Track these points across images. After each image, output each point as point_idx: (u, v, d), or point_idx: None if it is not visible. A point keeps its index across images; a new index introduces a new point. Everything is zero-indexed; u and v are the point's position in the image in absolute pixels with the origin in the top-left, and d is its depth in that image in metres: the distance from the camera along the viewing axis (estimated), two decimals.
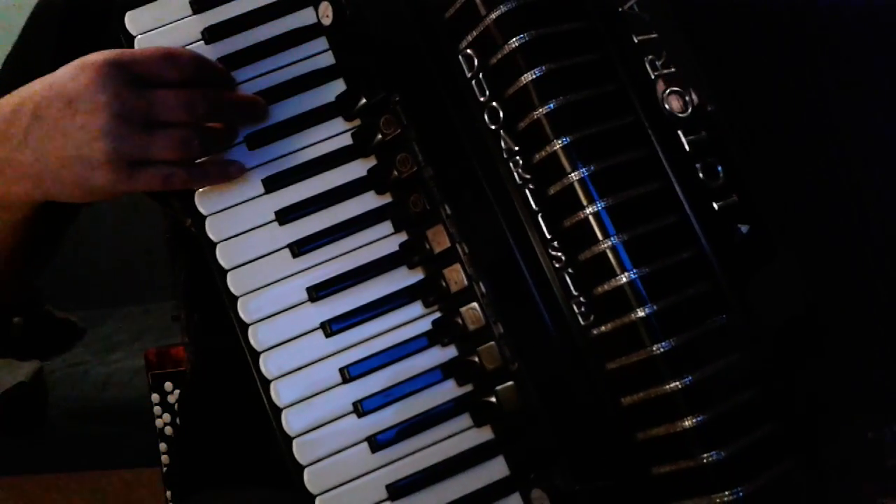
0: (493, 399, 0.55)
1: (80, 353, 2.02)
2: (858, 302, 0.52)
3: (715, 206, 0.50)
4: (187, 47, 0.61)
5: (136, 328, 2.15)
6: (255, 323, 0.59)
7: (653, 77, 0.51)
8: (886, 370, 0.52)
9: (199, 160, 0.58)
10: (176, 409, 1.30)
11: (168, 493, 1.25)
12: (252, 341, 0.59)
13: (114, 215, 2.26)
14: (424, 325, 0.58)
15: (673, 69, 0.51)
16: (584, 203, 0.49)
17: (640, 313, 0.47)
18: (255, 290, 0.59)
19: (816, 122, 0.54)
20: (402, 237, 0.59)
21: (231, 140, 0.60)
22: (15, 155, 0.55)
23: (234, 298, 0.59)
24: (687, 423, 0.46)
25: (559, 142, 0.49)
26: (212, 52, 0.62)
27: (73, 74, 0.54)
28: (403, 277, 0.59)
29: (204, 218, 0.60)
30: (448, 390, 0.57)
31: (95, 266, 2.29)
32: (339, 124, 0.61)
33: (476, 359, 0.56)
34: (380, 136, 0.59)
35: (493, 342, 0.55)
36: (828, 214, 0.53)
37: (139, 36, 0.62)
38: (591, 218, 0.49)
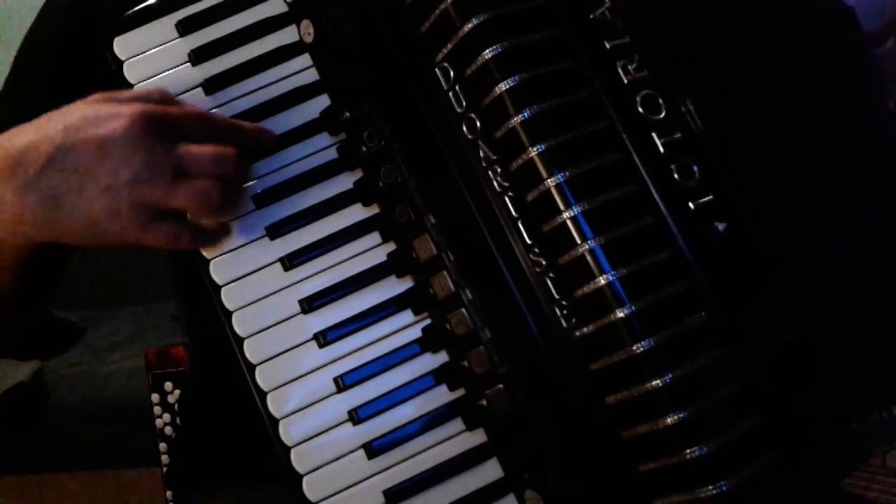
0: (484, 402, 0.56)
1: (80, 353, 2.02)
2: (842, 300, 0.52)
3: (691, 205, 0.51)
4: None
5: (136, 328, 2.15)
6: (250, 337, 0.60)
7: (626, 82, 0.52)
8: (871, 361, 0.53)
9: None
10: (176, 409, 1.31)
11: (168, 493, 1.26)
12: (248, 355, 0.60)
13: None
14: (415, 332, 0.60)
15: (645, 72, 0.52)
16: (562, 208, 0.50)
17: (620, 314, 0.48)
18: (248, 304, 0.61)
19: (790, 119, 0.54)
20: (391, 247, 0.60)
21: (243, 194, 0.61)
22: (17, 196, 0.54)
23: (229, 313, 0.61)
24: (669, 420, 0.47)
25: (535, 149, 0.50)
26: (198, 73, 0.64)
27: (103, 120, 0.54)
28: (393, 287, 0.60)
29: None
30: (440, 395, 0.59)
31: (95, 266, 2.28)
32: (324, 139, 0.63)
33: (466, 363, 0.57)
34: (364, 149, 0.60)
35: (481, 347, 0.56)
36: (807, 207, 0.54)
37: (128, 60, 0.64)
38: (568, 222, 0.50)
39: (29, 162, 0.53)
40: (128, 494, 1.78)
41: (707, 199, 0.51)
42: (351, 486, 0.58)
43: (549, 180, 0.50)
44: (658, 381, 0.48)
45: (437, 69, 0.54)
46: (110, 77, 0.63)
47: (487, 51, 0.51)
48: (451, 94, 0.53)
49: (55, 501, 1.85)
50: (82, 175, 0.53)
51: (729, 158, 0.52)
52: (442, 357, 0.59)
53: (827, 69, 0.56)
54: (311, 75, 0.64)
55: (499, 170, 0.52)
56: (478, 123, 0.53)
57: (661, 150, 0.51)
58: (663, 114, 0.52)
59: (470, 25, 0.52)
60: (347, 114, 0.60)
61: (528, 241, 0.52)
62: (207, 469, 0.79)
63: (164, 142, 0.54)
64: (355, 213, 0.61)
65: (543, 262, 0.51)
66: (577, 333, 0.51)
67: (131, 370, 1.86)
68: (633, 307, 0.48)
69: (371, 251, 0.61)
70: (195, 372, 0.87)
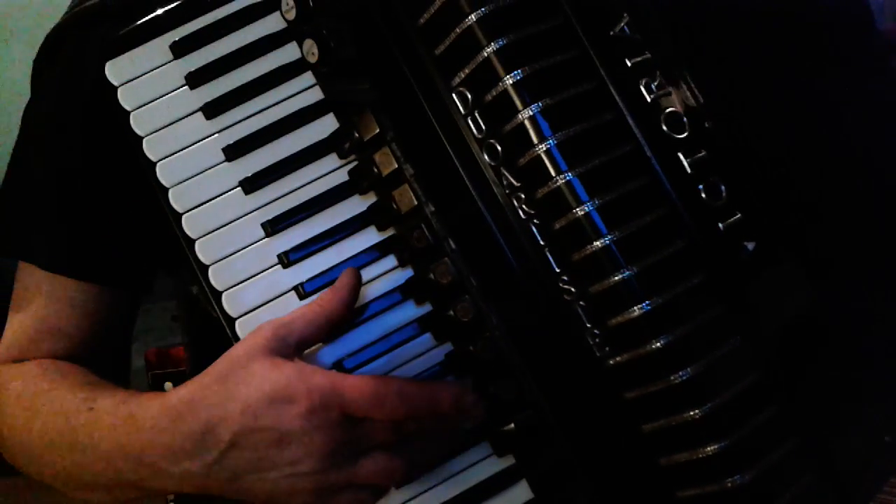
0: (513, 427, 0.56)
1: None
2: (864, 310, 0.52)
3: (721, 226, 0.50)
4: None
5: (136, 328, 2.12)
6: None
7: (649, 100, 0.51)
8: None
9: None
10: None
11: (168, 494, 1.26)
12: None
13: None
14: (439, 355, 0.59)
15: (669, 90, 0.51)
16: (592, 237, 0.49)
17: (657, 344, 0.48)
18: None
19: (814, 131, 0.54)
20: (408, 272, 0.59)
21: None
22: (202, 473, 0.53)
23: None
24: (709, 450, 0.47)
25: (561, 178, 0.49)
26: (197, 97, 0.61)
27: (279, 404, 0.51)
28: (414, 309, 0.59)
29: (207, 267, 0.60)
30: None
31: None
32: (333, 161, 0.61)
33: (496, 392, 0.56)
34: (376, 172, 0.58)
35: (510, 377, 0.55)
36: (831, 218, 0.54)
37: (122, 86, 0.61)
38: (599, 251, 0.49)
39: (213, 442, 0.53)
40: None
41: (736, 218, 0.50)
42: None
43: (577, 209, 0.49)
44: (697, 411, 0.47)
45: (454, 94, 0.52)
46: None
47: (508, 77, 0.49)
48: (469, 119, 0.52)
49: (55, 502, 1.83)
50: (263, 459, 0.52)
51: (755, 175, 0.52)
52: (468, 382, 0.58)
53: (849, 77, 0.55)
54: (315, 94, 0.61)
55: (523, 197, 0.51)
56: (499, 149, 0.51)
57: (689, 169, 0.50)
58: (687, 132, 0.51)
59: (489, 50, 0.50)
60: (357, 135, 0.59)
61: (557, 270, 0.51)
62: None
63: (342, 425, 0.52)
64: (369, 237, 0.60)
65: (573, 290, 0.50)
66: (611, 362, 0.50)
67: (131, 370, 1.83)
68: (668, 337, 0.48)
69: (389, 274, 0.59)
70: (195, 372, 0.86)
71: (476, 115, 0.51)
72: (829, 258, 0.52)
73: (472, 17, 0.49)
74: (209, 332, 0.77)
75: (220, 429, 0.52)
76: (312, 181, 0.60)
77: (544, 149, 0.49)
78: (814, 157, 0.54)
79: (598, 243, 0.49)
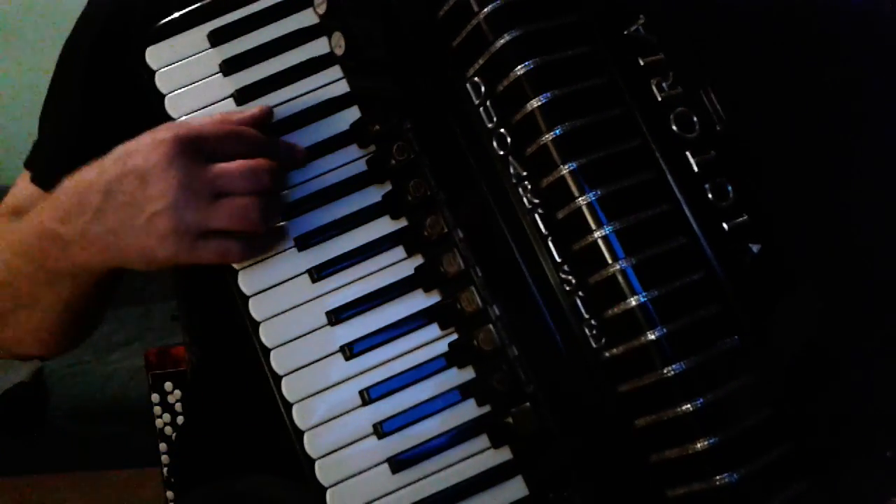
0: (510, 420, 0.56)
1: (80, 353, 2.01)
2: (870, 324, 0.51)
3: (725, 226, 0.50)
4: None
5: (136, 328, 2.15)
6: (277, 347, 0.60)
7: (659, 99, 0.51)
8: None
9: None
10: (176, 409, 1.31)
11: (168, 494, 1.27)
12: (274, 365, 0.60)
13: None
14: (442, 346, 0.59)
15: (680, 90, 0.52)
16: (593, 227, 0.49)
17: (651, 336, 0.48)
18: (276, 315, 0.61)
19: (824, 139, 0.53)
20: (418, 261, 0.60)
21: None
22: (89, 227, 0.58)
23: (257, 324, 0.61)
24: (699, 446, 0.47)
25: (566, 167, 0.50)
26: (229, 84, 0.64)
27: (145, 152, 0.56)
28: (420, 301, 0.60)
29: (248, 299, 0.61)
30: (467, 411, 0.58)
31: None
32: (353, 151, 0.62)
33: (493, 381, 0.56)
34: (393, 162, 0.60)
35: (508, 364, 0.55)
36: (837, 229, 0.53)
37: (160, 70, 0.64)
38: (599, 241, 0.49)
39: (92, 196, 0.58)
40: (128, 494, 1.79)
41: (741, 219, 0.50)
42: (374, 500, 0.58)
43: (580, 198, 0.49)
44: (689, 406, 0.47)
45: (468, 84, 0.53)
46: (142, 88, 0.64)
47: (520, 67, 0.51)
48: (481, 109, 0.53)
49: (55, 502, 1.85)
50: (131, 206, 0.57)
51: (763, 178, 0.51)
52: (468, 373, 0.59)
53: (856, 85, 0.55)
54: (341, 87, 0.64)
55: (529, 186, 0.52)
56: (508, 139, 0.52)
57: (695, 168, 0.50)
58: (697, 132, 0.51)
59: (503, 41, 0.51)
60: (377, 126, 0.60)
61: (558, 259, 0.51)
62: (208, 468, 0.79)
63: (198, 164, 0.56)
64: (384, 226, 0.61)
65: (573, 281, 0.51)
66: (607, 354, 0.50)
67: (131, 370, 1.87)
68: (664, 329, 0.48)
69: (398, 264, 0.61)
70: (195, 372, 0.87)
71: (488, 104, 0.52)
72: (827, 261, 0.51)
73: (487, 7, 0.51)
74: (210, 330, 0.79)
75: (98, 180, 0.58)
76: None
77: (551, 138, 0.50)
78: (823, 163, 0.54)
79: (598, 233, 0.49)
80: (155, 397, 1.33)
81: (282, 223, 0.62)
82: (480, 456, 0.58)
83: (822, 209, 0.53)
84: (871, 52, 0.55)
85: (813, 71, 0.54)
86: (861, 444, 0.49)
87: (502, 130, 0.52)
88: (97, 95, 0.73)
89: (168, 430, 1.33)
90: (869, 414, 0.50)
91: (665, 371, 0.47)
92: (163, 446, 1.34)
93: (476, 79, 0.53)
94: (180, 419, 1.31)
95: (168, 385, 1.32)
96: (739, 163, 0.51)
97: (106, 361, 2.00)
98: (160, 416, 1.33)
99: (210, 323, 0.80)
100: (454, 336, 0.59)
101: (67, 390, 1.92)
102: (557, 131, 0.50)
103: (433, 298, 0.60)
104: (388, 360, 0.60)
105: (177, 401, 1.32)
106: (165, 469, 1.33)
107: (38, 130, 0.78)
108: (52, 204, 0.61)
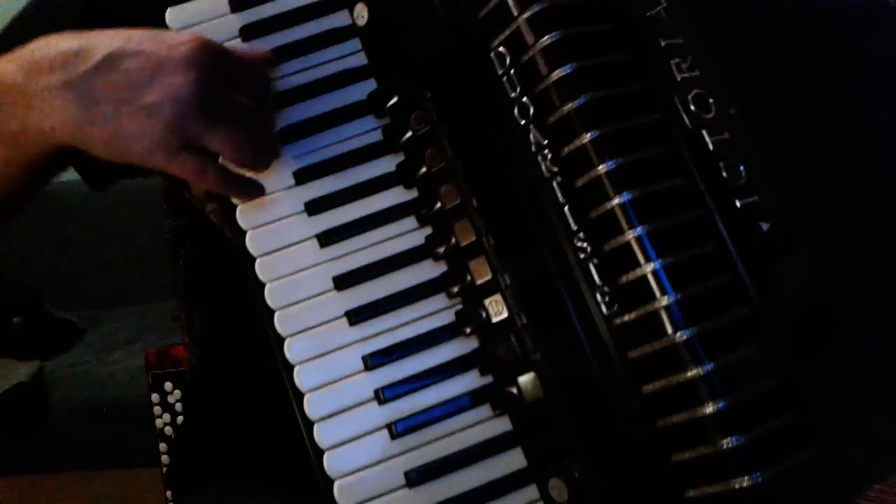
0: (514, 389, 0.56)
1: (80, 353, 2.00)
2: (869, 296, 0.53)
3: (738, 203, 0.52)
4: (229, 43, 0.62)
5: (136, 328, 2.13)
6: (282, 309, 0.60)
7: (678, 79, 0.53)
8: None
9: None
10: (176, 409, 1.30)
11: (168, 493, 1.25)
12: (278, 328, 0.60)
13: (114, 215, 2.27)
14: (448, 316, 0.60)
15: (698, 72, 0.53)
16: (611, 195, 0.50)
17: (664, 301, 0.49)
18: (281, 277, 0.61)
19: (831, 124, 0.56)
20: (427, 231, 0.61)
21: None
22: (55, 89, 0.53)
23: (262, 285, 0.61)
24: (707, 410, 0.47)
25: (588, 135, 0.51)
26: (248, 49, 0.64)
27: (170, 42, 0.53)
28: (429, 270, 0.60)
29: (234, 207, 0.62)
30: (469, 380, 0.58)
31: (95, 266, 2.29)
32: (370, 121, 0.63)
33: (498, 351, 0.57)
34: (410, 133, 0.61)
35: (515, 332, 0.56)
36: (839, 208, 0.55)
37: (179, 32, 0.64)
38: (616, 209, 0.50)
39: (79, 61, 0.53)
40: (128, 494, 1.76)
41: (752, 199, 0.52)
42: (372, 465, 0.58)
43: (599, 167, 0.51)
44: (698, 370, 0.48)
45: (492, 54, 0.54)
46: None
47: (546, 38, 0.52)
48: (505, 79, 0.54)
49: (55, 501, 1.82)
50: (128, 86, 0.52)
51: (772, 161, 0.53)
52: (473, 342, 0.59)
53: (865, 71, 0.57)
54: (360, 59, 0.64)
55: (549, 155, 0.53)
56: (531, 109, 0.53)
57: (711, 147, 0.52)
58: (713, 113, 0.53)
59: (529, 13, 0.53)
60: (396, 97, 0.61)
61: (574, 227, 0.52)
62: (209, 468, 0.78)
63: (219, 80, 0.54)
64: (397, 195, 0.62)
65: (588, 248, 0.52)
66: (618, 321, 0.51)
67: (131, 370, 1.84)
68: (677, 296, 0.49)
69: (409, 234, 0.61)
70: (195, 372, 0.87)
71: (511, 73, 0.54)
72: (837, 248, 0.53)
73: None
74: (209, 330, 0.78)
75: (96, 49, 0.53)
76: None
77: (573, 107, 0.51)
78: (831, 150, 0.56)
79: (615, 201, 0.50)
80: (155, 397, 1.32)
81: (279, 190, 0.62)
82: (480, 426, 0.58)
83: (824, 185, 0.55)
84: (875, 43, 0.58)
85: (819, 60, 0.56)
86: (860, 420, 0.51)
87: (525, 100, 0.53)
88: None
89: (168, 430, 1.31)
90: (867, 391, 0.51)
91: (675, 336, 0.48)
92: (163, 446, 1.32)
93: (501, 49, 0.54)
94: (180, 419, 1.30)
95: (168, 385, 1.31)
96: (751, 146, 0.53)
97: (106, 361, 1.98)
98: (160, 416, 1.32)
99: (210, 323, 0.79)
100: (461, 306, 0.59)
101: (67, 390, 1.90)
102: (581, 101, 0.51)
103: (441, 268, 0.60)
104: (394, 328, 0.60)
105: (177, 401, 1.31)
106: (165, 469, 1.31)
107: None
108: (19, 55, 0.54)
